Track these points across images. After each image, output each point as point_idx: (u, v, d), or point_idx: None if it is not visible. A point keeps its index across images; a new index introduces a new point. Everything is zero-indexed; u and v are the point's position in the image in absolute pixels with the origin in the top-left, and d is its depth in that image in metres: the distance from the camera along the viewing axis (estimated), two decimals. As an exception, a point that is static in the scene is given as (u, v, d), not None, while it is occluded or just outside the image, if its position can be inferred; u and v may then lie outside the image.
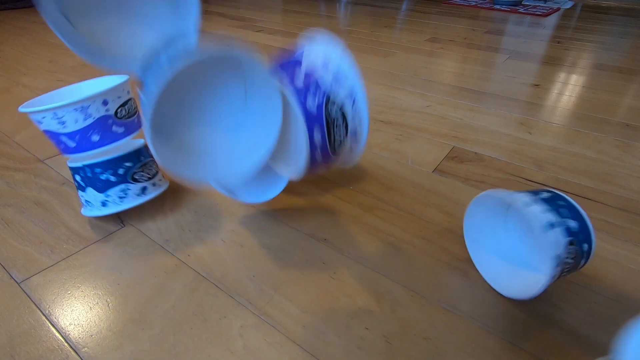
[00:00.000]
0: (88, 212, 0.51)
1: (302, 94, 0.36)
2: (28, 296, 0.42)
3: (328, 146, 0.40)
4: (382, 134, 0.80)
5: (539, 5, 2.75)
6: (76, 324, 0.39)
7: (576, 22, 2.24)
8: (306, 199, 0.59)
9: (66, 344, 0.37)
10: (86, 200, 0.50)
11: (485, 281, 0.45)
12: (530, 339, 0.39)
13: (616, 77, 1.24)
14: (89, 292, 0.42)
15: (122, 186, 0.50)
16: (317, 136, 0.38)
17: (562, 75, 1.23)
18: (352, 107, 0.38)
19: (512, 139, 0.80)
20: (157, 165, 0.55)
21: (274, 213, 0.55)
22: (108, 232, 0.51)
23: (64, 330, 0.38)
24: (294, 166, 0.38)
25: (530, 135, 0.82)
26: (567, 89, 1.12)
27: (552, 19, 2.29)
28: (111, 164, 0.48)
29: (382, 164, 0.69)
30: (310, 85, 0.37)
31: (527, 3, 2.85)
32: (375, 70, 1.21)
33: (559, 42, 1.69)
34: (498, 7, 2.60)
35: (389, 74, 1.18)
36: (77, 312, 0.40)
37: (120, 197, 0.50)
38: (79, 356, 0.36)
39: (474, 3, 2.74)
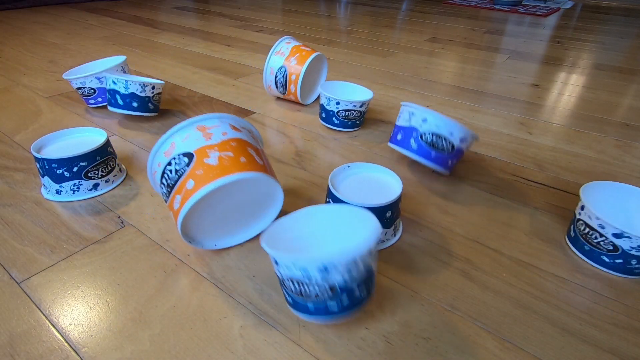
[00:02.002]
0: (45, 194, 0.57)
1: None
2: (28, 296, 0.42)
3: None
4: (382, 134, 0.80)
5: (539, 5, 2.76)
6: (76, 324, 0.39)
7: (576, 22, 2.24)
8: (306, 199, 0.59)
9: (66, 344, 0.37)
10: (44, 185, 0.57)
11: (485, 281, 0.46)
12: (531, 339, 0.39)
13: (616, 77, 1.24)
14: (89, 292, 0.42)
15: (75, 181, 0.56)
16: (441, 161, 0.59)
17: (562, 75, 1.23)
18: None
19: (512, 139, 0.80)
20: (114, 163, 0.60)
21: (274, 213, 0.55)
22: (108, 232, 0.51)
23: (64, 330, 0.38)
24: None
25: (530, 135, 0.82)
26: (567, 89, 1.12)
27: (552, 19, 2.29)
28: (66, 162, 0.54)
29: (383, 164, 0.69)
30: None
31: (527, 3, 2.85)
32: (375, 70, 1.21)
33: (559, 42, 1.69)
34: (498, 7, 2.60)
35: (389, 74, 1.18)
36: (77, 312, 0.40)
37: (73, 190, 0.56)
38: (79, 356, 0.36)
39: (474, 3, 2.74)
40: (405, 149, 0.60)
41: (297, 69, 0.84)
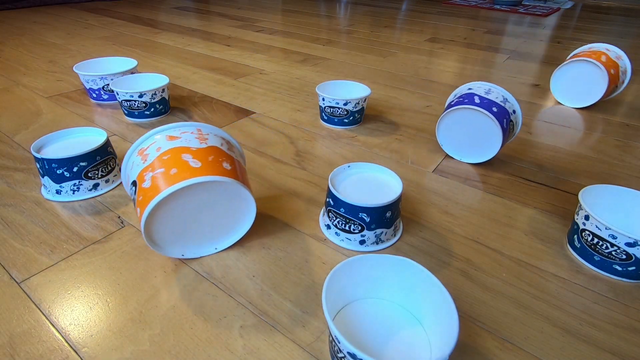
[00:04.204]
0: (45, 194, 0.57)
1: (490, 102, 0.66)
2: (28, 296, 0.42)
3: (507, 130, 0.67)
4: (382, 134, 0.80)
5: (539, 5, 2.75)
6: (76, 324, 0.39)
7: (576, 22, 2.24)
8: (306, 199, 0.59)
9: (66, 344, 0.37)
10: (44, 185, 0.57)
11: (485, 281, 0.46)
12: (531, 339, 0.39)
13: (616, 77, 1.23)
14: (89, 292, 0.42)
15: (75, 181, 0.56)
16: (505, 124, 0.65)
17: (562, 75, 1.23)
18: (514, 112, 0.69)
19: (512, 139, 0.80)
20: (114, 163, 0.60)
21: (274, 213, 0.55)
22: (108, 232, 0.51)
23: (64, 330, 0.38)
24: (494, 146, 0.67)
25: (530, 135, 0.82)
26: (567, 89, 1.11)
27: (552, 19, 2.29)
28: (67, 162, 0.54)
29: (382, 164, 0.69)
30: (494, 99, 0.67)
31: (527, 3, 2.85)
32: (375, 70, 1.21)
33: (559, 42, 1.69)
34: (498, 7, 2.60)
35: (389, 74, 1.18)
36: (77, 312, 0.40)
37: (73, 190, 0.56)
38: (79, 356, 0.36)
39: (474, 3, 2.74)
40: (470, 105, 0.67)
41: None
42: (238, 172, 0.45)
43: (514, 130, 0.69)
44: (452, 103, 0.70)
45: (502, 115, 0.65)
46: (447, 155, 0.72)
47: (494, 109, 0.65)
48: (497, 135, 0.65)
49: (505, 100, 0.68)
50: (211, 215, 0.45)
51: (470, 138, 0.68)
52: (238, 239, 0.49)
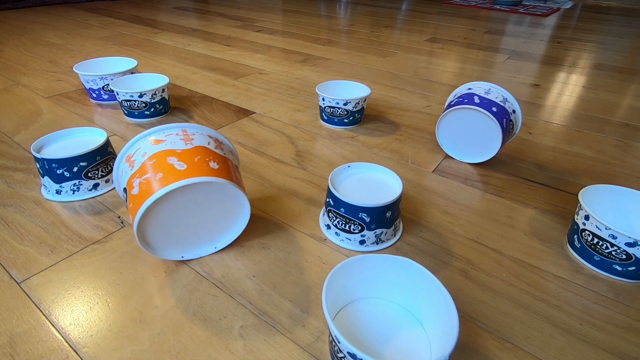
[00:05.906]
0: (45, 194, 0.57)
1: (490, 102, 0.66)
2: (28, 296, 0.42)
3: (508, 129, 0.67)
4: (382, 134, 0.80)
5: (539, 5, 2.76)
6: (76, 324, 0.39)
7: (576, 22, 2.24)
8: (306, 199, 0.59)
9: (66, 344, 0.37)
10: (44, 185, 0.57)
11: (485, 281, 0.46)
12: (531, 339, 0.39)
13: (616, 77, 1.24)
14: (89, 292, 0.42)
15: (75, 181, 0.56)
16: (504, 124, 0.65)
17: (562, 75, 1.23)
18: (513, 110, 0.68)
19: (513, 139, 0.80)
20: (114, 163, 0.59)
21: (274, 213, 0.55)
22: (108, 232, 0.51)
23: (64, 330, 0.38)
24: (494, 147, 0.67)
25: (530, 135, 0.82)
26: (567, 89, 1.12)
27: (552, 19, 2.29)
28: (67, 162, 0.54)
29: (382, 164, 0.69)
30: (494, 99, 0.67)
31: (527, 3, 2.85)
32: (375, 70, 1.21)
33: (559, 42, 1.69)
34: (498, 7, 2.60)
35: (389, 74, 1.18)
36: (77, 312, 0.40)
37: (73, 190, 0.56)
38: (79, 356, 0.36)
39: (474, 3, 2.74)
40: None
41: None
42: (228, 170, 0.44)
43: (513, 130, 0.69)
44: (452, 103, 0.70)
45: (502, 115, 0.65)
46: (447, 156, 0.72)
47: (494, 109, 0.65)
48: (497, 135, 0.65)
49: (505, 100, 0.67)
50: (206, 215, 0.45)
51: (470, 138, 0.68)
52: (236, 237, 0.49)
